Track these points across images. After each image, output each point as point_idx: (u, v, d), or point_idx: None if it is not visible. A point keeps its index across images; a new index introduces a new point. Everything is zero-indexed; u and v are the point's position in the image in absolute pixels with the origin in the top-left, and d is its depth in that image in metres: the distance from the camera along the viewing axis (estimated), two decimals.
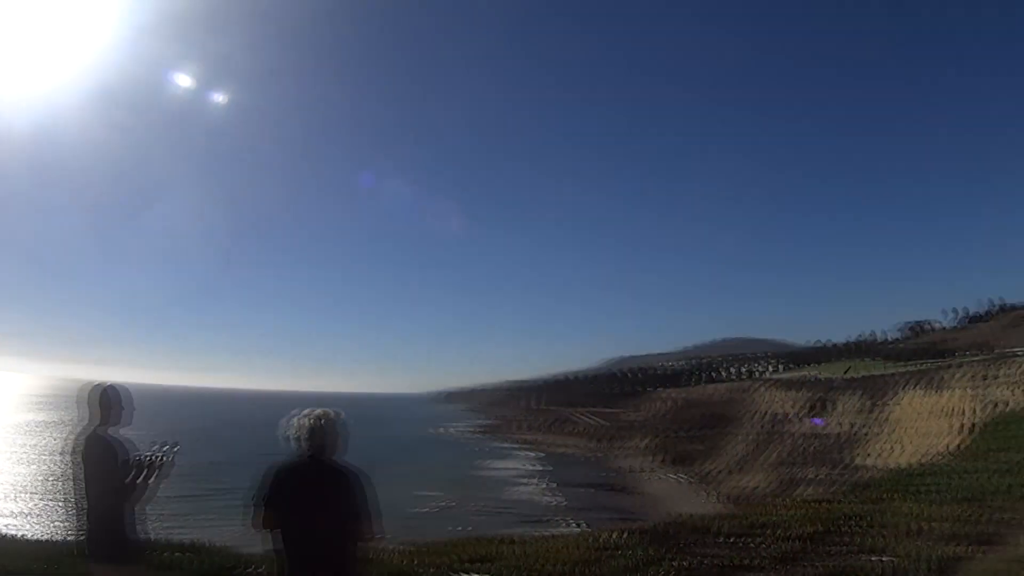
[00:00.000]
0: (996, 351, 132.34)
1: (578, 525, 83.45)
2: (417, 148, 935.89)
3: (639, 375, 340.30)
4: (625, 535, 13.71)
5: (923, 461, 63.23)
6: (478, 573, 12.56)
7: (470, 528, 77.54)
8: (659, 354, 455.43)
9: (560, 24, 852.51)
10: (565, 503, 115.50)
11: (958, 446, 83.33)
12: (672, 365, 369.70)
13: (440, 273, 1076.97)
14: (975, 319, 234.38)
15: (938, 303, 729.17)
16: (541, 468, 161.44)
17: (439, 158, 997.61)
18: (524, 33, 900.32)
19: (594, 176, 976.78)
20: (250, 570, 12.87)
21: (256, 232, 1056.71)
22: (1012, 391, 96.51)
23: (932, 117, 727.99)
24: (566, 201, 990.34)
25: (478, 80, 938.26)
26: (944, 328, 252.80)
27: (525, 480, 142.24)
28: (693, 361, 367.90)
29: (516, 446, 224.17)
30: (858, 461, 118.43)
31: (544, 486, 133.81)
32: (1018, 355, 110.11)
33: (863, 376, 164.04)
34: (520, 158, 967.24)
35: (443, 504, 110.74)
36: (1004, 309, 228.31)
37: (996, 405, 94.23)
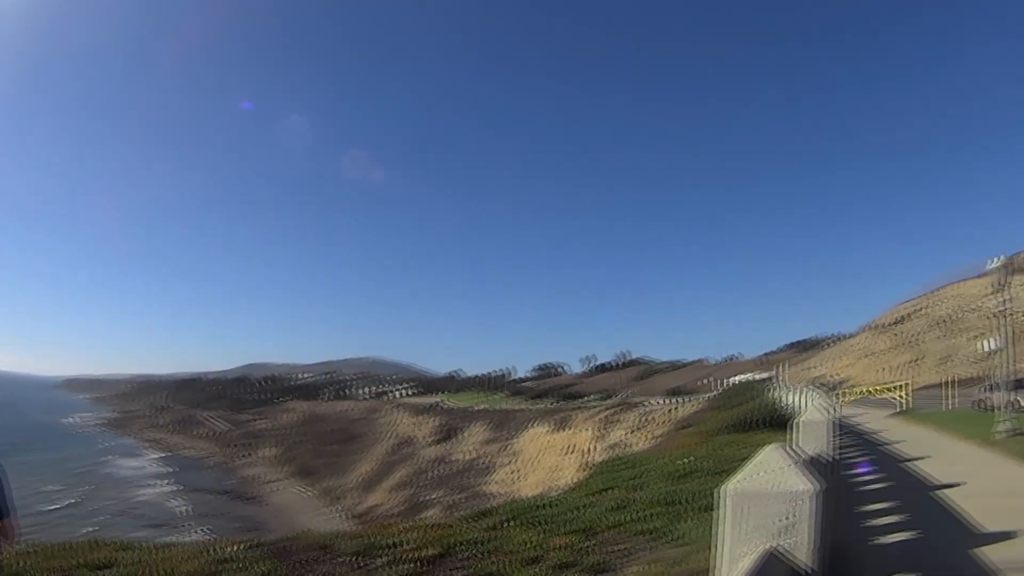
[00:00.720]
0: (619, 398, 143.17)
1: (202, 533, 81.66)
2: None
3: (272, 383, 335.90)
4: (246, 548, 13.39)
5: (545, 492, 68.14)
6: None
7: (95, 529, 73.93)
8: (294, 365, 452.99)
9: None
10: (191, 508, 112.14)
11: (578, 481, 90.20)
12: (307, 377, 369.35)
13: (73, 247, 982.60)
14: (602, 368, 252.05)
15: (571, 351, 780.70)
16: (168, 470, 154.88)
17: None
18: None
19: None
20: None
21: None
22: (628, 435, 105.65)
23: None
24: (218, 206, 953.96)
25: None
26: (575, 373, 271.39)
27: (152, 481, 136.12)
28: (327, 376, 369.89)
29: (143, 444, 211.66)
30: (484, 488, 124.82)
31: (170, 489, 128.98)
32: (637, 404, 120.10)
33: (494, 409, 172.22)
34: None
35: (68, 501, 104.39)
36: (629, 363, 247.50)
37: (614, 447, 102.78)
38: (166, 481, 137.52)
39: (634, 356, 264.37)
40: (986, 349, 53.05)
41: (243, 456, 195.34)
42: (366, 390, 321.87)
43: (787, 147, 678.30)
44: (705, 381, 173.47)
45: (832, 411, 17.99)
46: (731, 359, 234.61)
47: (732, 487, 6.22)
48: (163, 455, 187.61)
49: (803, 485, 6.11)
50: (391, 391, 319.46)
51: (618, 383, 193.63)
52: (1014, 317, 73.37)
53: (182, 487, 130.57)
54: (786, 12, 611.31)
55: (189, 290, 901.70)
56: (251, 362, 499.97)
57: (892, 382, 76.46)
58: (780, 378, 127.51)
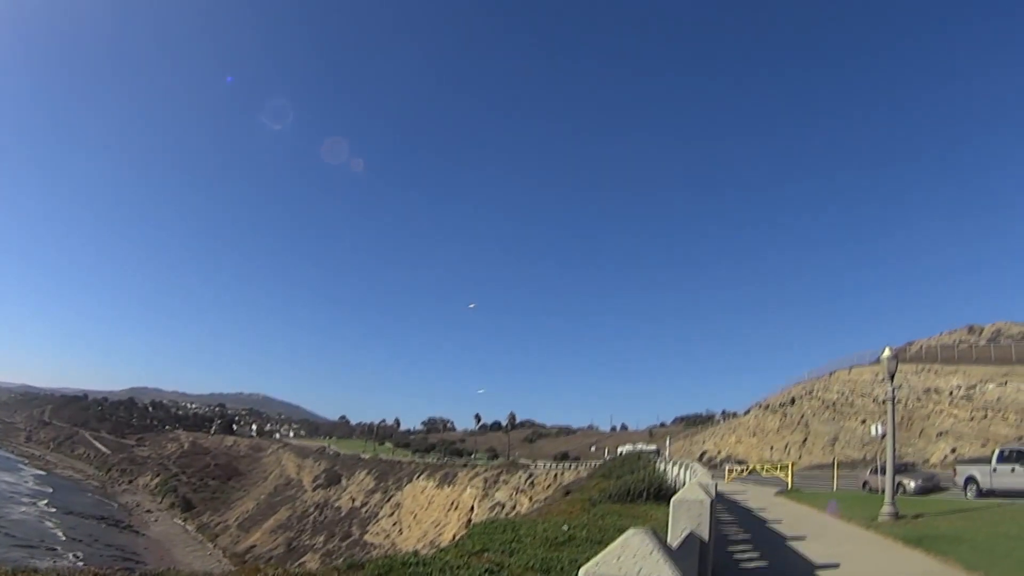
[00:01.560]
0: (506, 459, 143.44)
1: (75, 559, 79.11)
2: None
3: (158, 410, 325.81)
4: None
5: (426, 547, 67.70)
6: None
7: None
8: (182, 394, 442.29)
9: None
10: (65, 533, 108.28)
11: (455, 538, 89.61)
12: (194, 408, 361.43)
13: None
14: (491, 427, 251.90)
15: (461, 407, 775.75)
16: (44, 488, 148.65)
17: None
18: None
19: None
20: None
21: None
22: (511, 496, 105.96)
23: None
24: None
25: None
26: (463, 430, 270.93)
27: (26, 499, 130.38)
28: (215, 408, 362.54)
29: (20, 458, 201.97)
30: (365, 538, 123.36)
31: (45, 509, 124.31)
32: (524, 466, 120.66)
33: (380, 458, 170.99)
34: None
35: None
36: (518, 424, 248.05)
37: (497, 506, 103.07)
38: (42, 501, 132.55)
39: (524, 418, 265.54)
40: (874, 433, 54.85)
41: (123, 482, 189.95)
42: (253, 427, 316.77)
43: (688, 225, 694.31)
44: (593, 449, 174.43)
45: (714, 488, 18.44)
46: (620, 429, 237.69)
47: (588, 571, 5.44)
48: (40, 472, 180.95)
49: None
50: (278, 431, 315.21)
51: (506, 443, 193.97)
52: (902, 404, 77.35)
53: (57, 508, 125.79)
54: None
55: (80, 303, 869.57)
56: (139, 386, 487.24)
57: (780, 461, 78.58)
58: (667, 451, 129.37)
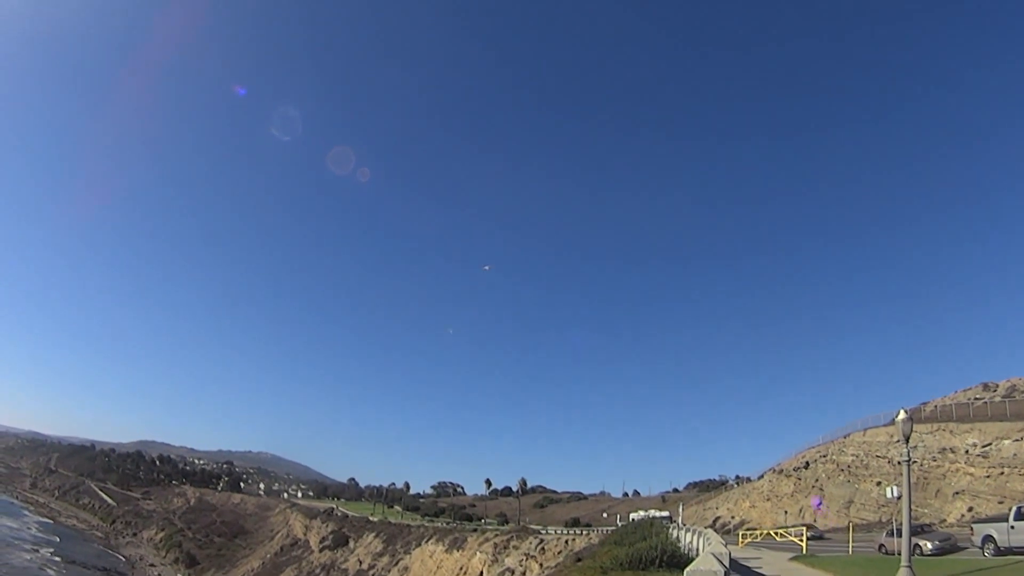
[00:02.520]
0: (516, 525, 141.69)
1: None
2: None
3: (166, 464, 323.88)
4: None
5: None
6: None
7: None
8: (190, 449, 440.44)
9: None
10: None
11: None
12: (202, 464, 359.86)
13: None
14: (502, 492, 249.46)
15: (471, 472, 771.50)
16: (47, 536, 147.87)
17: None
18: None
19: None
20: None
21: None
22: (521, 562, 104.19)
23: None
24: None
25: None
26: (474, 494, 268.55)
27: (28, 546, 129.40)
28: (224, 466, 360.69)
29: (24, 505, 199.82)
30: None
31: (48, 557, 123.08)
32: (534, 532, 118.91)
33: (389, 521, 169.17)
34: None
35: None
36: (530, 490, 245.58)
37: (506, 572, 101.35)
38: (46, 549, 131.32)
39: (535, 484, 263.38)
40: (890, 495, 54.01)
41: (127, 534, 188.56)
42: (261, 485, 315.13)
43: (702, 290, 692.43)
44: (605, 515, 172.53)
45: (727, 557, 17.98)
46: (632, 495, 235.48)
47: None
48: (44, 520, 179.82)
49: None
50: (286, 490, 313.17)
51: (517, 509, 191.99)
52: (917, 464, 76.14)
53: (60, 557, 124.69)
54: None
55: (91, 353, 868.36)
56: (147, 439, 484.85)
57: (794, 525, 77.30)
58: (680, 517, 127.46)
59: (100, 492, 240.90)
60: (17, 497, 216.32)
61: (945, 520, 67.87)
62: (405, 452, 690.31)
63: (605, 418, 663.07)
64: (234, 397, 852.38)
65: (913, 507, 39.63)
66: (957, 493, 72.18)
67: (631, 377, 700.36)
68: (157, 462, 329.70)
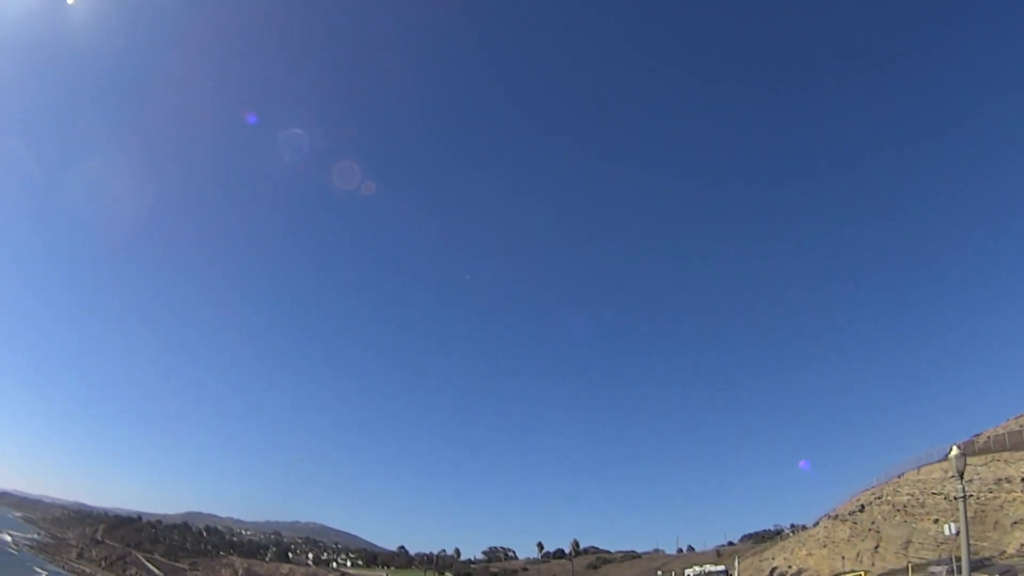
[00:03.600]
0: None
1: None
2: None
3: (213, 535, 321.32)
4: None
5: None
6: None
7: None
8: (237, 520, 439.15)
9: None
10: None
11: None
12: (249, 535, 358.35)
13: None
14: (555, 555, 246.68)
15: (521, 535, 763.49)
16: None
17: None
18: None
19: None
20: None
21: None
22: None
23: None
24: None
25: None
26: (526, 558, 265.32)
27: None
28: (272, 536, 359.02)
29: (70, 575, 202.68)
30: None
31: None
32: None
33: None
34: None
35: None
36: (582, 551, 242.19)
37: None
38: None
39: (587, 544, 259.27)
40: (948, 533, 52.52)
41: None
42: (310, 555, 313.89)
43: (751, 343, 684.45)
44: (660, 573, 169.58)
45: None
46: (687, 550, 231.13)
47: None
48: None
49: None
50: (335, 559, 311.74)
51: (570, 571, 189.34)
52: (973, 498, 73.72)
53: None
54: None
55: (136, 425, 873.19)
56: (193, 510, 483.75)
57: (852, 570, 75.32)
58: (736, 570, 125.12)
59: (147, 563, 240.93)
60: (64, 567, 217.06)
61: (1005, 551, 65.92)
62: (454, 518, 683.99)
63: (655, 473, 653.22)
64: (280, 467, 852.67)
65: (972, 541, 38.16)
66: (1016, 523, 70.13)
67: (681, 430, 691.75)
68: (204, 533, 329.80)
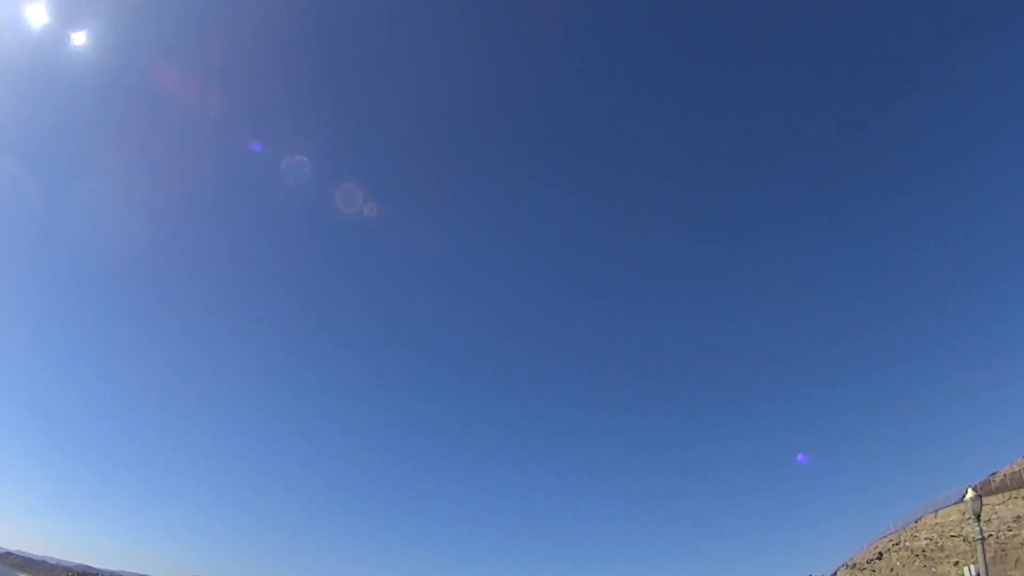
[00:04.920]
0: None
1: None
2: None
3: None
4: None
5: None
6: None
7: None
8: None
9: None
10: None
11: None
12: None
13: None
14: None
15: None
16: None
17: None
18: None
19: None
20: None
21: None
22: None
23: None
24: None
25: None
26: None
27: None
28: None
29: None
30: None
31: None
32: None
33: None
34: None
35: None
36: None
37: None
38: None
39: None
40: (969, 575, 51.88)
41: None
42: None
43: (749, 406, 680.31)
44: None
45: None
46: None
47: None
48: None
49: None
50: None
51: None
52: (993, 537, 72.88)
53: None
54: None
55: (141, 487, 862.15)
56: (200, 574, 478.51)
57: None
58: None
59: None
60: None
61: None
62: None
63: (670, 533, 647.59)
64: (289, 527, 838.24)
65: None
66: None
67: (689, 489, 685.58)
68: None
